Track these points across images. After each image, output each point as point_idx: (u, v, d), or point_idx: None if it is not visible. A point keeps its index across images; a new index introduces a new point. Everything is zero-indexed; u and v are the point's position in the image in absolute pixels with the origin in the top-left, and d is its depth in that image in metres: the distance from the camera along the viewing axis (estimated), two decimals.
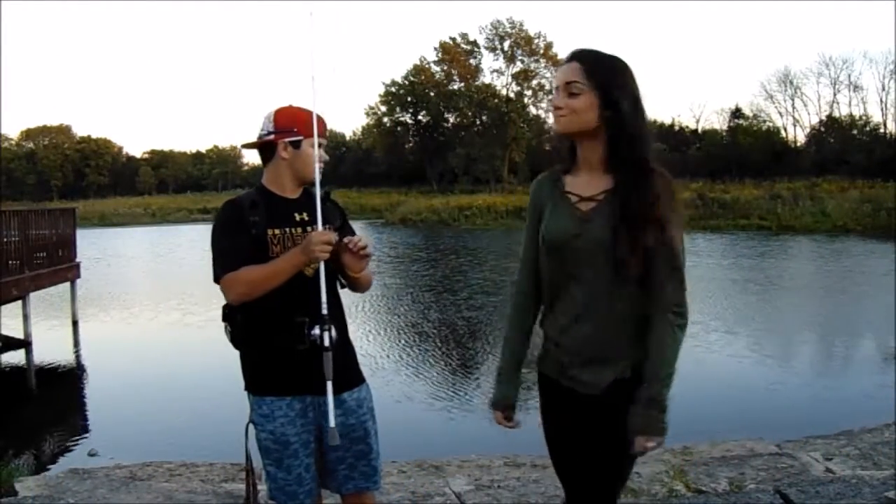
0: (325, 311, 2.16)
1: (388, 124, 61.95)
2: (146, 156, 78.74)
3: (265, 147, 2.33)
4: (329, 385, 2.13)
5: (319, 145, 2.31)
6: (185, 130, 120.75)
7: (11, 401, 8.27)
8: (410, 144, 62.33)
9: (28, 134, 73.57)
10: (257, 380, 2.30)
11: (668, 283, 1.77)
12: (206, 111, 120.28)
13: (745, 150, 47.06)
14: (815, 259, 20.62)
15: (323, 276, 2.17)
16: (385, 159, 62.02)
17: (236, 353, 2.31)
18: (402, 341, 10.62)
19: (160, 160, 77.56)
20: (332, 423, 2.13)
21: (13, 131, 79.73)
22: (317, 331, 2.15)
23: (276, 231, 2.24)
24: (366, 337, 10.72)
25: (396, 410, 7.13)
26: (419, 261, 22.18)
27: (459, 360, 9.54)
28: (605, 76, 1.82)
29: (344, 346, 2.31)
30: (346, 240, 2.20)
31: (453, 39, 60.53)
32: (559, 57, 59.18)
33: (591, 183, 1.83)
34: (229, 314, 2.25)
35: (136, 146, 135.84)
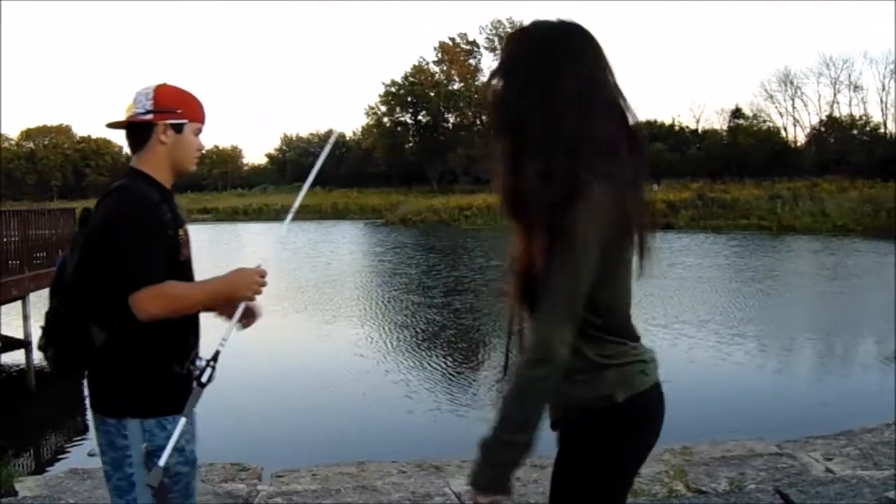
0: (219, 348, 1.97)
1: (388, 124, 61.98)
2: None
3: (138, 129, 2.00)
4: (182, 422, 1.92)
5: (200, 132, 2.08)
6: None
7: (11, 401, 8.27)
8: (410, 144, 62.33)
9: (28, 134, 73.60)
10: (156, 399, 1.98)
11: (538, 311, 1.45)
12: (206, 111, 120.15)
13: (745, 150, 47.07)
14: (815, 259, 20.62)
15: None
16: (385, 159, 62.02)
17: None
18: (403, 341, 10.62)
19: None
20: (163, 461, 1.88)
21: (13, 131, 79.78)
22: (202, 363, 1.98)
23: (181, 231, 2.01)
24: (366, 337, 10.74)
25: (396, 410, 7.14)
26: (419, 261, 22.17)
27: (460, 361, 9.54)
28: None
29: None
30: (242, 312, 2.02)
31: (453, 39, 60.64)
32: None
33: None
34: (117, 328, 1.92)
35: None
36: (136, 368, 1.96)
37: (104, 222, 1.93)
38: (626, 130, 1.50)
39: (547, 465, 4.33)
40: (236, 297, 1.98)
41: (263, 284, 2.00)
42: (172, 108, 2.00)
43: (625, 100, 1.52)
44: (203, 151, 2.13)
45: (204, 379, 1.96)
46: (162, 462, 1.87)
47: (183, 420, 1.92)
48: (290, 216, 2.22)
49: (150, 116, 1.98)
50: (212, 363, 1.97)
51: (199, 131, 2.07)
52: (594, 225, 1.39)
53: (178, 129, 2.00)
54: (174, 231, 1.97)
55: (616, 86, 1.52)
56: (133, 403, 1.96)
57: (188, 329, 2.05)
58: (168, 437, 1.92)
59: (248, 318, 2.08)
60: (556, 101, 1.44)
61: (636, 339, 1.59)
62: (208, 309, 2.07)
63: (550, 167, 1.42)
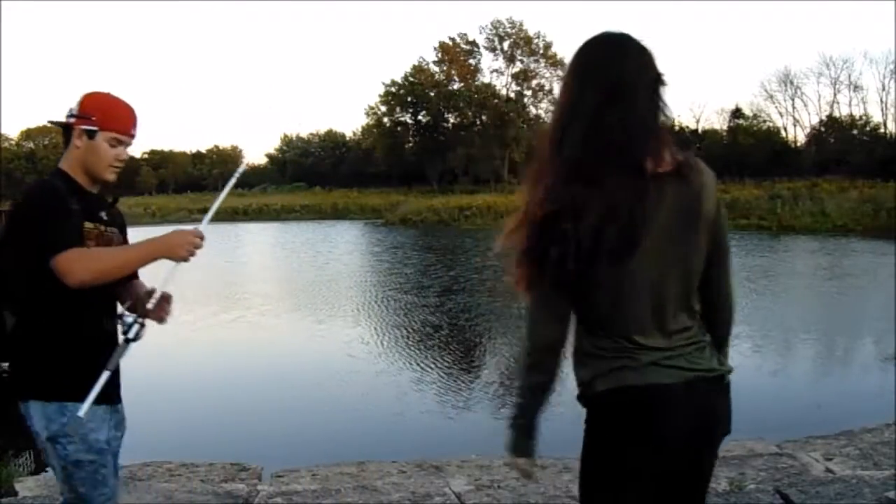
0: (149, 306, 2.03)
1: (388, 124, 61.93)
2: (146, 156, 78.68)
3: (65, 129, 2.11)
4: (106, 374, 1.95)
5: (122, 143, 2.11)
6: (185, 130, 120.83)
7: (11, 401, 8.26)
8: (410, 144, 62.30)
9: (28, 134, 73.49)
10: (63, 384, 2.00)
11: None
12: (206, 111, 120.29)
13: (745, 150, 47.07)
14: (814, 259, 20.62)
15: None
16: (385, 159, 61.99)
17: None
18: (403, 341, 10.62)
19: (160, 160, 77.47)
20: (83, 411, 1.91)
21: (13, 131, 79.74)
22: (129, 319, 2.02)
23: (90, 225, 2.05)
24: (366, 337, 10.74)
25: (396, 410, 7.14)
26: (419, 261, 22.17)
27: (460, 361, 9.54)
28: None
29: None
30: (158, 300, 2.06)
31: (453, 39, 60.61)
32: (559, 57, 59.43)
33: None
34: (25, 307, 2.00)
35: (136, 146, 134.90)
36: (41, 352, 2.01)
37: (13, 210, 2.06)
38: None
39: (548, 466, 4.35)
40: (171, 256, 2.03)
41: (199, 246, 2.04)
42: (88, 115, 2.07)
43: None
44: (123, 160, 2.13)
45: (131, 335, 1.99)
46: (82, 412, 1.90)
47: (106, 374, 1.95)
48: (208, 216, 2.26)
49: (71, 120, 2.08)
50: (140, 320, 2.01)
51: (116, 141, 2.09)
52: None
53: (90, 135, 2.07)
54: (79, 221, 2.01)
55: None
56: (35, 386, 2.02)
57: (102, 314, 2.07)
58: (66, 425, 1.97)
59: (163, 309, 2.10)
60: None
61: (646, 339, 1.62)
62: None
63: None
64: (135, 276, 2.24)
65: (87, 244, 2.01)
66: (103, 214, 2.13)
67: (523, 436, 1.77)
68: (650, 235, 1.57)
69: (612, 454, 1.67)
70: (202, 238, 2.06)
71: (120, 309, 2.16)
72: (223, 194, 2.23)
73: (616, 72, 1.58)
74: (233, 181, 2.21)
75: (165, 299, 2.11)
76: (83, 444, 2.00)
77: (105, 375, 1.95)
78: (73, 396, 1.96)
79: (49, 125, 2.21)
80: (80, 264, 1.91)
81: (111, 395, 2.08)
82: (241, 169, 2.34)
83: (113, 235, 2.13)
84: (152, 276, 2.22)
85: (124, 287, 2.18)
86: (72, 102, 2.11)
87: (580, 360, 1.71)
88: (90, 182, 2.12)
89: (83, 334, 2.04)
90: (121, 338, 2.01)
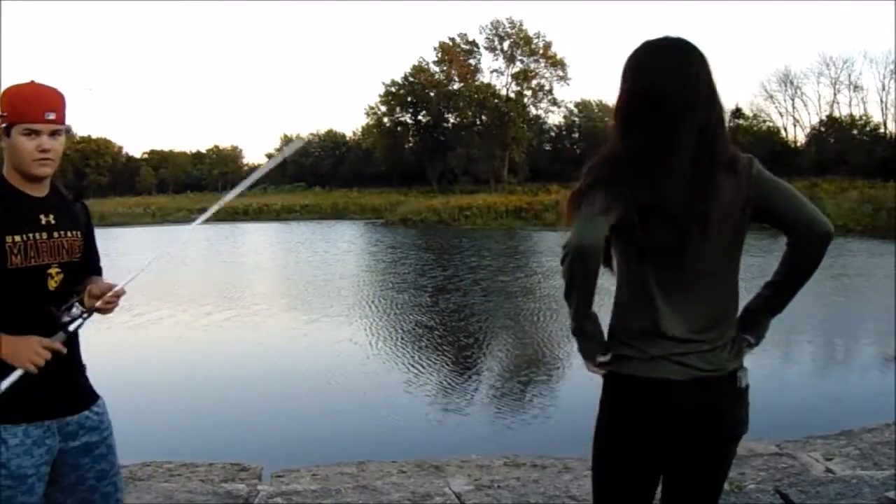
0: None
1: (388, 124, 61.93)
2: (146, 156, 78.70)
3: None
4: (18, 373, 1.83)
5: (38, 132, 1.92)
6: (185, 130, 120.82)
7: None
8: (410, 144, 62.31)
9: None
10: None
11: None
12: (206, 111, 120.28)
13: (745, 150, 45.81)
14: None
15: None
16: (385, 159, 62.01)
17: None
18: (403, 341, 10.62)
19: (160, 160, 77.50)
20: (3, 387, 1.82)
21: None
22: (76, 311, 1.92)
23: (17, 238, 1.89)
24: (367, 337, 10.74)
25: (396, 410, 7.13)
26: (419, 261, 22.17)
27: (459, 361, 9.54)
28: None
29: (80, 365, 2.11)
30: (96, 292, 1.96)
31: (452, 39, 60.59)
32: (558, 57, 59.42)
33: None
34: None
35: (136, 146, 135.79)
36: None
37: None
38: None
39: (548, 466, 4.34)
40: (15, 363, 1.85)
41: (46, 357, 1.86)
42: (2, 113, 1.91)
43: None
44: (48, 150, 1.95)
45: (71, 328, 1.92)
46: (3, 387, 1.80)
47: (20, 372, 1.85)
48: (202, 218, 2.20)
49: None
50: (85, 315, 1.94)
51: (30, 131, 1.91)
52: None
53: (7, 132, 1.92)
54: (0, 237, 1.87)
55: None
56: None
57: (43, 334, 1.92)
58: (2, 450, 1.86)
59: (111, 303, 1.99)
60: None
61: (660, 332, 1.72)
62: None
63: None
64: (98, 272, 2.16)
65: (11, 260, 1.87)
66: (51, 218, 1.98)
67: (593, 342, 1.82)
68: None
69: (611, 428, 1.83)
70: (50, 348, 1.89)
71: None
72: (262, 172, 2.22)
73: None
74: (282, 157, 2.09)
75: (117, 294, 2.00)
76: (4, 468, 1.86)
77: (17, 373, 1.84)
78: (4, 419, 1.88)
79: None
80: None
81: (50, 408, 1.96)
82: (296, 146, 2.23)
83: (64, 240, 2.00)
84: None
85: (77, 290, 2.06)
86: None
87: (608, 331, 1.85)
88: (29, 182, 1.96)
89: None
90: (61, 333, 1.91)
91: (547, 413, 6.88)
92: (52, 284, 1.95)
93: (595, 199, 1.67)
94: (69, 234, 2.03)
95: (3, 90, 1.94)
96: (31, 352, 1.85)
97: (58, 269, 1.98)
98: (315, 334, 11.27)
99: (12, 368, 1.85)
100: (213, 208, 2.12)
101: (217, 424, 6.78)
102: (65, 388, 1.99)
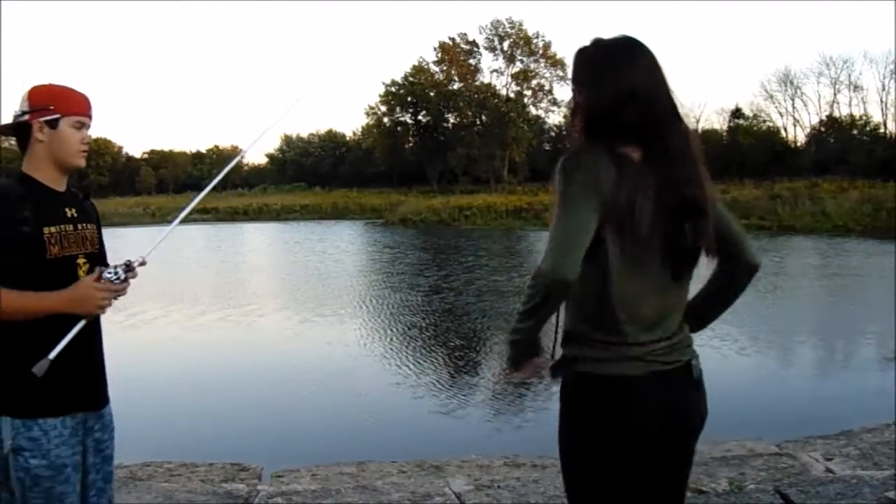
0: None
1: (388, 124, 61.93)
2: (146, 156, 78.74)
3: (20, 131, 2.04)
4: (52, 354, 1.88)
5: (84, 126, 2.06)
6: (185, 130, 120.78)
7: None
8: (410, 144, 62.31)
9: None
10: (25, 400, 1.94)
11: None
12: (206, 111, 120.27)
13: (745, 150, 47.02)
14: (814, 259, 20.62)
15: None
16: (385, 159, 62.01)
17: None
18: (403, 341, 10.62)
19: (160, 160, 77.54)
20: (52, 355, 1.86)
21: None
22: (110, 273, 1.98)
23: (53, 229, 1.99)
24: (367, 337, 10.74)
25: (396, 410, 7.14)
26: (419, 261, 22.18)
27: (460, 361, 9.54)
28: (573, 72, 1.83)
29: (103, 360, 2.18)
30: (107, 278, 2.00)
31: (452, 39, 60.59)
32: (558, 57, 59.38)
33: None
34: None
35: (136, 146, 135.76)
36: (9, 368, 1.94)
37: None
38: None
39: (548, 466, 4.34)
40: (82, 314, 1.96)
41: (108, 298, 1.97)
42: (45, 106, 2.01)
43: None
44: (88, 143, 2.09)
45: (106, 275, 1.98)
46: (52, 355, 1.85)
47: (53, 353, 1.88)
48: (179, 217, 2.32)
49: (26, 117, 2.02)
50: (120, 272, 2.00)
51: (79, 125, 2.05)
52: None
53: (52, 125, 2.02)
54: (38, 229, 1.95)
55: None
56: (5, 402, 1.95)
57: (46, 334, 1.94)
58: (32, 441, 1.92)
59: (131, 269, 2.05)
60: None
61: (624, 334, 1.70)
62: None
63: None
64: (104, 263, 2.18)
65: (50, 249, 1.97)
66: (73, 212, 2.08)
67: (532, 350, 1.81)
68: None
69: (577, 431, 1.81)
70: (110, 289, 1.98)
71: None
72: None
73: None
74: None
75: (142, 262, 2.09)
76: (45, 458, 1.94)
77: (80, 324, 1.93)
78: (46, 412, 1.95)
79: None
80: None
81: (82, 400, 2.04)
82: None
83: (86, 232, 2.10)
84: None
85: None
86: (15, 106, 2.06)
87: (565, 337, 1.84)
88: (59, 177, 2.07)
89: (52, 348, 1.94)
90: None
91: (547, 413, 6.88)
92: (80, 274, 2.04)
93: (581, 212, 1.63)
94: (88, 226, 2.13)
95: (32, 89, 2.04)
96: (94, 298, 1.95)
97: (84, 260, 2.08)
98: (309, 333, 11.28)
99: (37, 352, 1.87)
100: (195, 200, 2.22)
101: (217, 424, 6.78)
102: (93, 382, 2.08)
